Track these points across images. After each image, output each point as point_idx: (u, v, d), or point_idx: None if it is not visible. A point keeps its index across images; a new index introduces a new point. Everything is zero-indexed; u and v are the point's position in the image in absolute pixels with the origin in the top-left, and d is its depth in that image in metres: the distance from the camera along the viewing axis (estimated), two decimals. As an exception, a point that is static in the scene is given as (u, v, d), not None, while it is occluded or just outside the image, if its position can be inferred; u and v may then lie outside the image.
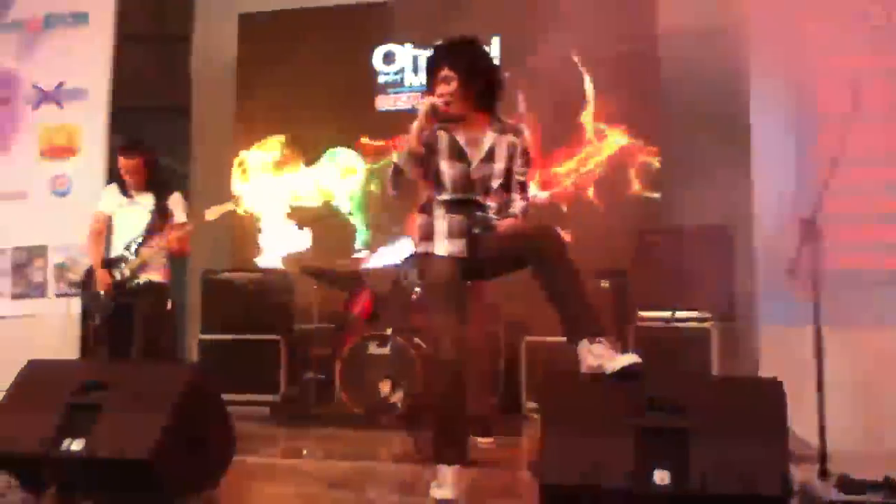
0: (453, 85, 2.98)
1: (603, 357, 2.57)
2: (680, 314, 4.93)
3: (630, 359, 2.52)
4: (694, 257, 4.76)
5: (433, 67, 3.04)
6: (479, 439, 4.15)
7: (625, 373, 2.48)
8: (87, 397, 2.82)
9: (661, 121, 5.91)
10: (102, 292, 4.58)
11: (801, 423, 2.93)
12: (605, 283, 5.09)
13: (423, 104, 2.95)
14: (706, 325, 4.90)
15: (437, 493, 2.84)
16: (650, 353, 2.69)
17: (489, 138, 3.03)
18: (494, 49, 6.33)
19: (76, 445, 2.72)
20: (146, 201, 4.66)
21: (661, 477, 2.19)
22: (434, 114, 2.94)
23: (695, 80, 5.83)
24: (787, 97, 4.66)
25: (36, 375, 3.01)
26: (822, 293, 3.16)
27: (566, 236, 3.03)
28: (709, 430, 2.21)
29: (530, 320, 5.44)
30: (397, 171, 2.95)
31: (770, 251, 4.69)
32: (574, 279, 2.76)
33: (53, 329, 5.90)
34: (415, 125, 2.93)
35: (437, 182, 3.01)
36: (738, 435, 2.20)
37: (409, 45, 6.66)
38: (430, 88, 3.05)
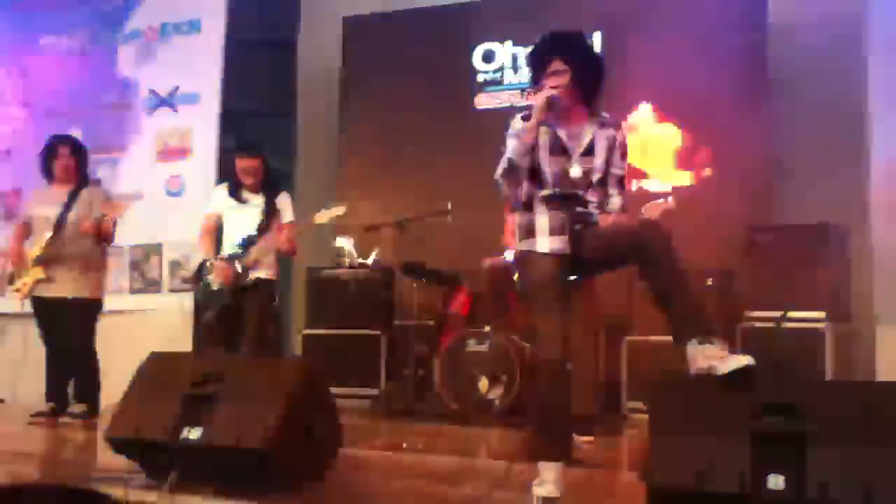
0: (565, 78, 2.92)
1: (714, 358, 2.49)
2: (791, 314, 4.76)
3: (743, 360, 2.44)
4: (806, 256, 4.58)
5: (543, 59, 2.98)
6: (580, 438, 4.12)
7: (737, 375, 2.41)
8: (205, 388, 2.94)
9: (772, 116, 5.71)
10: (216, 287, 4.75)
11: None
12: (710, 282, 4.96)
13: (539, 97, 2.89)
14: (820, 325, 4.71)
15: (541, 490, 2.83)
16: (759, 355, 2.59)
17: (589, 132, 2.97)
18: (595, 45, 6.26)
19: (195, 434, 2.84)
20: (257, 201, 4.81)
21: (775, 482, 2.12)
22: (550, 107, 2.89)
23: (806, 73, 5.62)
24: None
25: (156, 367, 3.15)
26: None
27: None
28: (828, 435, 2.13)
29: (631, 319, 5.37)
30: (512, 166, 2.89)
31: (887, 250, 4.48)
32: (682, 277, 2.68)
33: (168, 323, 6.21)
34: (531, 120, 2.87)
35: (537, 178, 2.95)
36: (859, 442, 2.11)
37: (508, 43, 6.67)
38: (537, 80, 2.99)
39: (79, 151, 5.19)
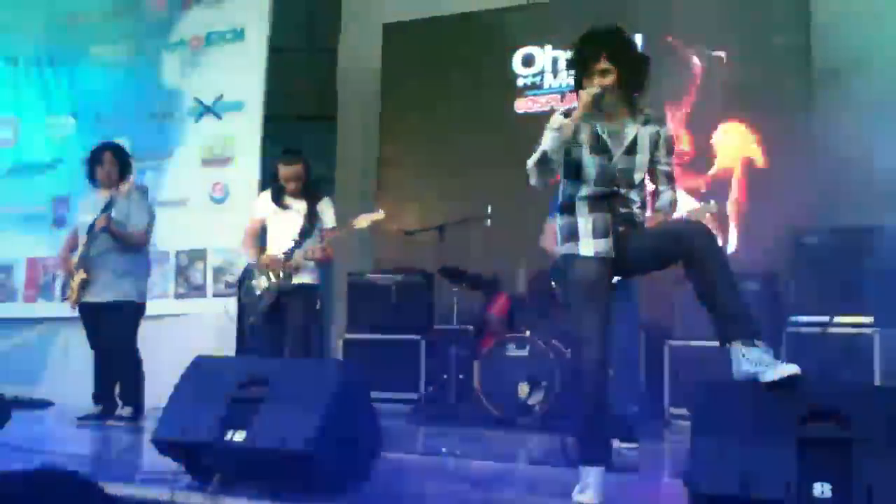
0: (611, 78, 2.87)
1: (760, 364, 2.46)
2: (838, 319, 4.66)
3: (790, 369, 2.39)
4: (854, 259, 4.48)
5: (587, 59, 2.92)
6: (623, 444, 4.08)
7: (783, 384, 2.37)
8: (249, 391, 2.98)
9: (819, 115, 5.60)
10: (259, 291, 4.81)
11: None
12: (753, 286, 4.88)
13: (587, 92, 2.84)
14: (868, 331, 4.60)
15: (581, 497, 2.81)
16: (804, 361, 2.54)
17: (631, 130, 2.92)
18: (639, 44, 6.22)
19: (238, 436, 2.87)
20: (299, 207, 4.87)
21: (821, 490, 2.09)
22: (596, 103, 2.85)
23: (852, 68, 5.50)
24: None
25: (202, 370, 3.20)
26: None
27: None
28: (875, 442, 2.09)
29: (673, 324, 5.31)
30: (545, 158, 2.84)
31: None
32: (728, 276, 2.65)
33: (212, 327, 6.30)
34: (574, 114, 2.84)
35: (578, 176, 2.91)
36: (909, 449, 2.06)
37: (548, 47, 6.64)
38: (581, 78, 2.93)
39: (121, 158, 5.30)
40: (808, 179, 5.53)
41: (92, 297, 5.09)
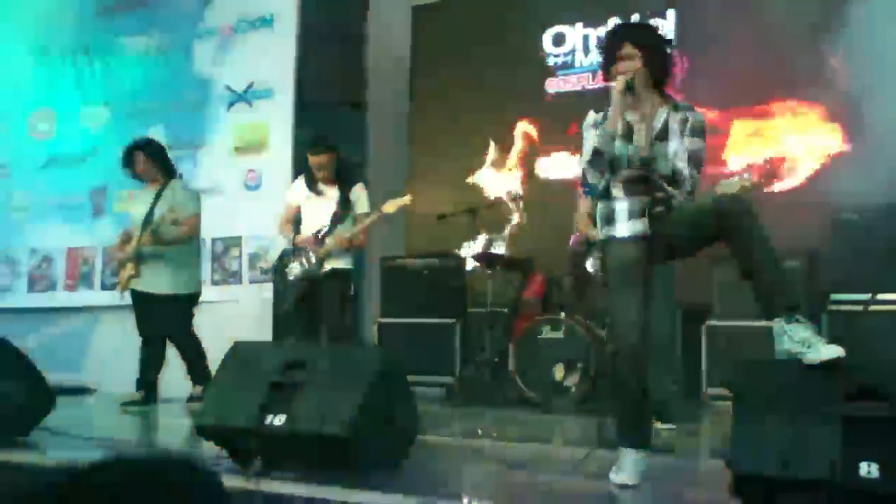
0: (637, 62, 2.91)
1: (804, 343, 2.43)
2: (881, 296, 4.56)
3: (835, 351, 2.36)
4: (893, 235, 4.39)
5: (612, 45, 2.98)
6: (660, 425, 4.06)
7: (827, 367, 2.34)
8: (288, 376, 3.01)
9: (860, 88, 5.46)
10: (294, 276, 4.86)
11: None
12: (794, 263, 4.80)
13: (617, 86, 2.87)
14: (911, 307, 4.52)
15: (618, 478, 2.81)
16: (846, 339, 2.51)
17: (661, 115, 2.93)
18: (670, 22, 6.13)
19: (278, 421, 2.91)
20: (332, 193, 4.91)
21: (868, 469, 2.05)
22: (629, 90, 2.87)
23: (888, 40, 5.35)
24: None
25: (241, 356, 3.24)
26: None
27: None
28: (923, 421, 2.05)
29: (711, 304, 5.25)
30: (598, 153, 2.87)
31: None
32: (769, 249, 2.63)
33: (248, 313, 6.36)
34: (612, 106, 2.86)
35: (612, 164, 2.92)
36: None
37: (579, 25, 6.57)
38: (608, 65, 2.97)
39: (155, 153, 5.36)
40: (849, 156, 5.42)
41: (147, 287, 5.21)
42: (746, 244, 2.65)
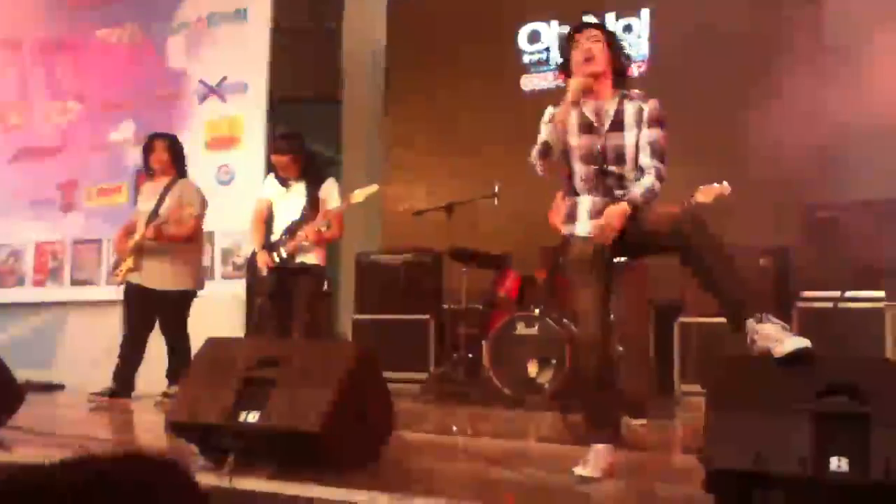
0: (599, 45, 2.96)
1: (770, 338, 2.47)
2: (850, 294, 4.64)
3: (799, 342, 2.40)
4: (865, 233, 4.46)
5: (577, 32, 3.02)
6: (633, 421, 4.09)
7: (794, 357, 2.37)
8: (262, 372, 2.99)
9: (831, 84, 5.53)
10: (264, 274, 4.84)
11: None
12: (763, 261, 4.86)
13: (575, 81, 2.91)
14: (879, 305, 4.59)
15: (580, 470, 2.82)
16: (816, 336, 2.54)
17: (614, 105, 2.95)
18: (644, 20, 6.17)
19: (252, 417, 2.89)
20: (301, 188, 4.88)
21: (839, 464, 2.08)
22: (586, 92, 2.92)
23: (865, 38, 5.43)
24: None
25: (214, 352, 3.21)
26: None
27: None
28: (892, 416, 2.08)
29: (683, 301, 5.29)
30: (546, 148, 2.90)
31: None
32: (726, 266, 2.65)
33: (220, 309, 6.31)
34: (567, 98, 2.89)
35: (571, 161, 2.96)
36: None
37: (554, 23, 6.59)
38: (567, 62, 3.01)
39: (173, 147, 5.38)
40: (820, 152, 5.48)
41: (148, 283, 5.16)
42: (702, 264, 2.67)
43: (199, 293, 5.38)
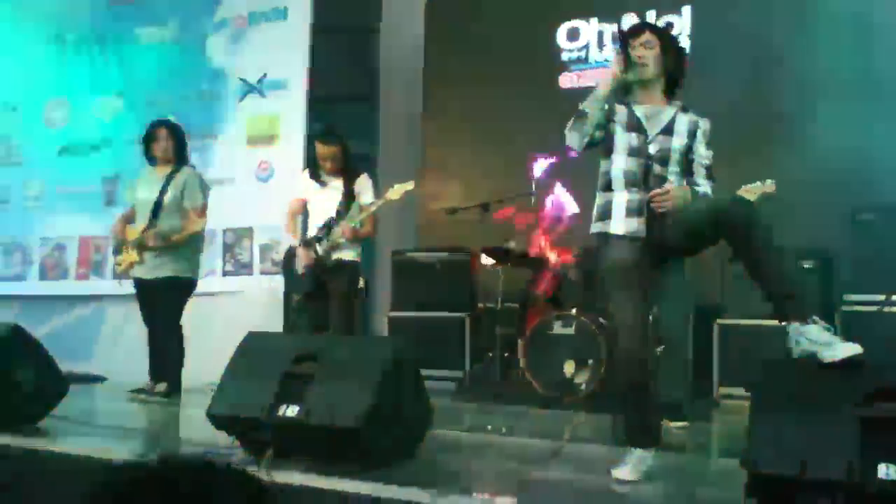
0: (654, 50, 2.90)
1: (818, 343, 2.41)
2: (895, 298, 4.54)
3: (852, 349, 2.33)
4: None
5: (633, 32, 2.96)
6: (671, 423, 4.04)
7: (844, 364, 2.32)
8: (301, 367, 3.01)
9: (876, 86, 5.41)
10: (302, 270, 4.87)
11: None
12: (807, 265, 4.77)
13: (614, 63, 2.86)
14: (925, 309, 4.48)
15: (617, 472, 2.80)
16: (860, 340, 2.48)
17: (668, 113, 2.91)
18: (686, 18, 6.10)
19: (291, 412, 2.91)
20: (337, 184, 4.90)
21: (887, 471, 2.03)
22: (625, 90, 2.90)
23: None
24: None
25: (254, 346, 3.24)
26: None
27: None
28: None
29: (722, 302, 5.22)
30: (581, 113, 2.84)
31: None
32: (776, 254, 2.57)
33: (259, 304, 6.36)
34: (610, 75, 2.86)
35: (613, 155, 2.90)
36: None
37: (593, 20, 6.53)
38: (623, 52, 2.91)
39: (176, 134, 5.29)
40: (864, 155, 5.37)
41: (147, 275, 5.09)
42: (750, 247, 2.59)
43: (234, 289, 5.34)
